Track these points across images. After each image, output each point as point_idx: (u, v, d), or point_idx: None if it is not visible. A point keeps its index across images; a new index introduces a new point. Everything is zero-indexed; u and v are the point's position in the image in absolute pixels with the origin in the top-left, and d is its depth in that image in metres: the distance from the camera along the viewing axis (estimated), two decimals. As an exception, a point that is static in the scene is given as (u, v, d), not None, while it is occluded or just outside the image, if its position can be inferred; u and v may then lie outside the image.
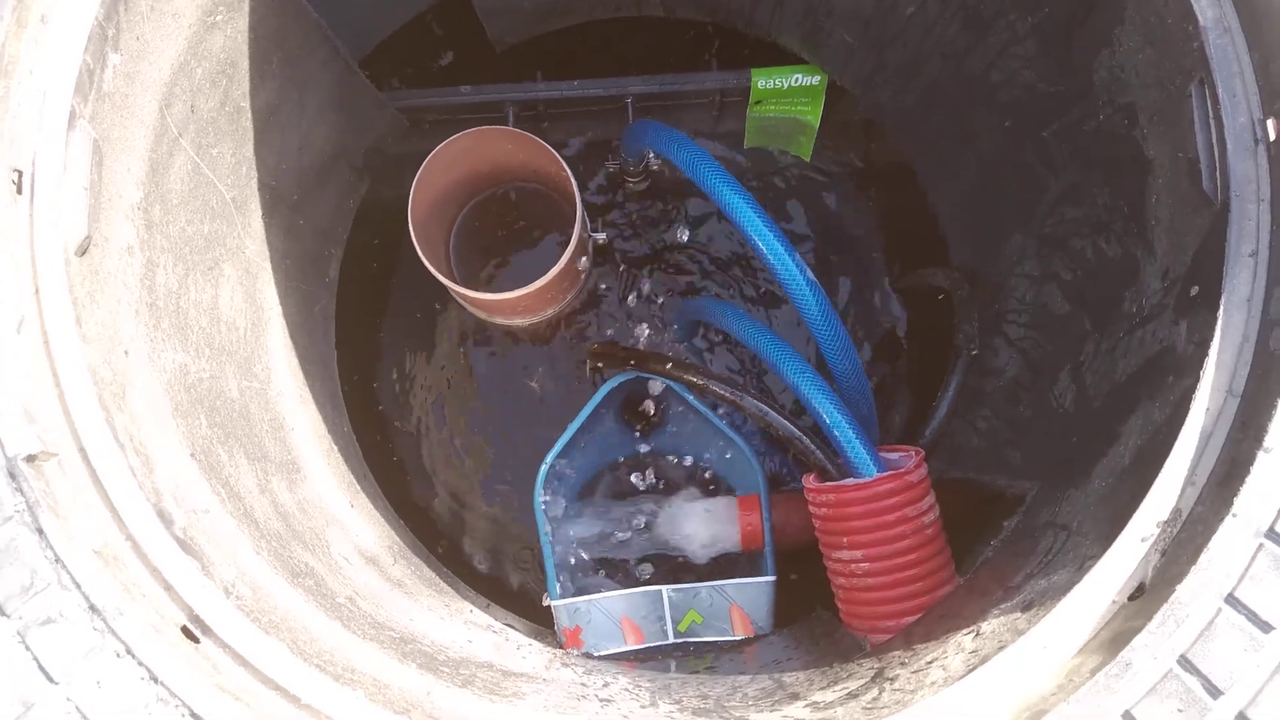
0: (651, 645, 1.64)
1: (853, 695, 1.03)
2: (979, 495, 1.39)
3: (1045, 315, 1.42)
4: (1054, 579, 0.99)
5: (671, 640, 1.64)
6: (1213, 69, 0.99)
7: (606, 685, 1.31)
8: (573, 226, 1.69)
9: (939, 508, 1.36)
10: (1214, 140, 0.99)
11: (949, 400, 1.56)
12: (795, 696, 1.11)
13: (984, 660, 0.93)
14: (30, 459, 0.89)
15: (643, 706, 1.22)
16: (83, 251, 1.02)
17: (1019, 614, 0.98)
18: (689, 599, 1.65)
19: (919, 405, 1.77)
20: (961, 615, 1.09)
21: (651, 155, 1.93)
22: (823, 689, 1.10)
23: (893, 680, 1.03)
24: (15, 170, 0.99)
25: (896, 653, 1.11)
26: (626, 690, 1.27)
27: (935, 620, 1.17)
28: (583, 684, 1.29)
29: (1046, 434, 1.30)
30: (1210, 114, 0.99)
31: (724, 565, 1.75)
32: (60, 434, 0.93)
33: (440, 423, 2.02)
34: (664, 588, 1.65)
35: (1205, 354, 0.95)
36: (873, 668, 1.10)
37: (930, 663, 1.01)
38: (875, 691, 1.02)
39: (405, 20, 1.81)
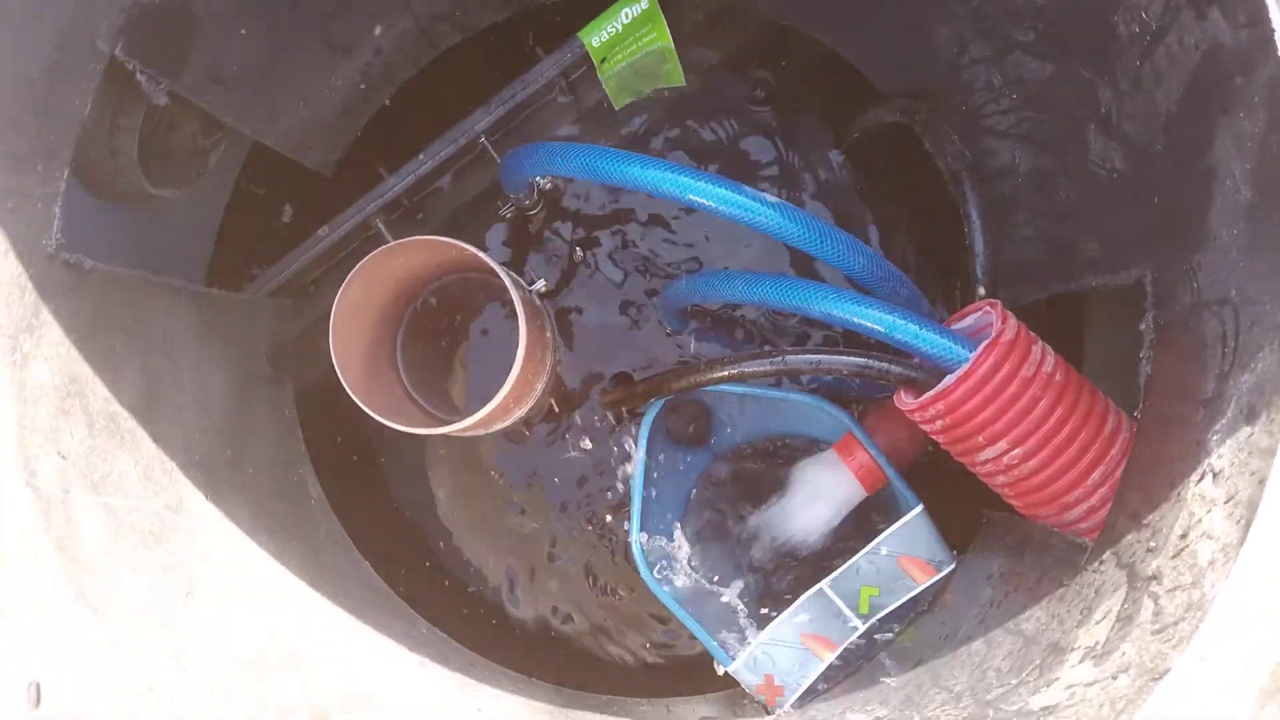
0: (847, 647, 1.46)
1: (1125, 619, 0.85)
2: (1088, 314, 1.19)
3: (1027, 88, 1.21)
4: (1259, 368, 0.79)
5: (861, 627, 1.46)
6: None
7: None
8: (502, 283, 1.50)
9: (1052, 351, 1.17)
10: None
11: (978, 226, 1.35)
12: (1057, 649, 0.92)
13: (1251, 506, 0.74)
14: None
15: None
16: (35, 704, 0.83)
17: (1247, 428, 0.79)
18: (853, 580, 1.46)
19: (949, 260, 1.57)
20: (1170, 461, 0.90)
21: (538, 179, 1.72)
22: (1080, 624, 0.91)
23: (1155, 579, 0.84)
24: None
25: (1128, 538, 0.92)
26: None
27: (1139, 481, 0.97)
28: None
29: (1116, 206, 1.10)
30: None
31: (862, 527, 1.56)
32: None
33: (519, 566, 1.82)
34: (821, 584, 1.46)
35: (1268, 28, 0.75)
36: (1117, 569, 0.91)
37: (1183, 537, 0.82)
38: (1147, 603, 0.83)
39: (221, 210, 1.60)
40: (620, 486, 1.77)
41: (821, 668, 1.45)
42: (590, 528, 1.78)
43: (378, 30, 1.52)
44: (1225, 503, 0.78)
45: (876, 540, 1.44)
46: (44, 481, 1.00)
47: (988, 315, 1.22)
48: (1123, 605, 0.86)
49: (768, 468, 1.65)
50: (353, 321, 1.58)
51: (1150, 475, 0.93)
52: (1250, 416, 0.79)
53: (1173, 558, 0.82)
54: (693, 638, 1.71)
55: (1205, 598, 0.75)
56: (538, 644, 1.79)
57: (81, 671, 0.91)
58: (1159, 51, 0.92)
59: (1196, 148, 0.90)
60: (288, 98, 1.48)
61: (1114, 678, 0.80)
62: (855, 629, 1.46)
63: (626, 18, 1.71)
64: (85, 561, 1.00)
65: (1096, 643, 0.86)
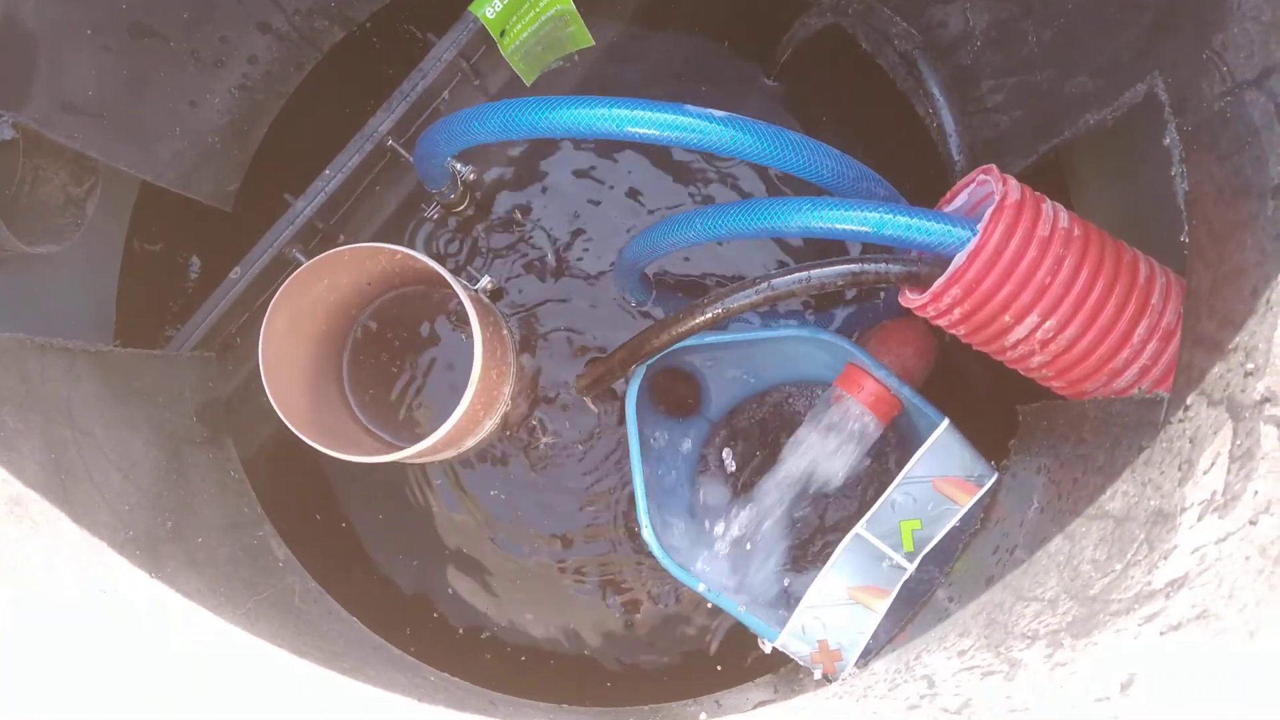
0: (899, 589, 1.31)
1: (1243, 457, 0.71)
2: (1088, 158, 1.07)
3: (969, -69, 1.09)
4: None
5: (910, 567, 1.31)
6: None
7: (926, 678, 0.99)
8: (448, 287, 1.34)
9: (1063, 207, 1.04)
10: None
11: (943, 102, 1.23)
12: (1162, 516, 0.78)
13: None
14: None
15: (986, 675, 0.89)
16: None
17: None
18: (890, 517, 1.32)
19: (922, 151, 1.44)
20: (1243, 272, 0.77)
21: (458, 166, 1.57)
22: (1183, 482, 0.78)
23: (1269, 400, 0.70)
24: None
25: (1215, 370, 0.79)
26: (961, 668, 0.94)
27: (1208, 307, 0.84)
28: (913, 705, 0.96)
29: (1101, 26, 0.97)
30: None
31: (886, 461, 1.42)
32: None
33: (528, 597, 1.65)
34: (856, 528, 1.32)
35: None
36: (1211, 407, 0.77)
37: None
38: (1268, 430, 0.69)
39: (117, 264, 1.43)
40: (624, 490, 1.61)
41: (877, 620, 1.31)
42: (601, 538, 1.62)
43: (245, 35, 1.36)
44: (1336, 287, 0.65)
45: (907, 467, 1.30)
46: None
47: (983, 185, 1.09)
48: (1234, 443, 0.73)
49: (772, 421, 1.51)
50: (285, 360, 1.42)
51: (1221, 297, 0.80)
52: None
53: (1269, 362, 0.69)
54: (729, 626, 1.57)
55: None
56: (564, 672, 1.62)
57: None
58: None
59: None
60: (160, 123, 1.32)
61: (1253, 523, 0.66)
62: (904, 570, 1.31)
63: (518, -18, 1.58)
64: None
65: (1214, 493, 0.73)
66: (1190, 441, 0.79)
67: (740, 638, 1.56)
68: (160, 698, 0.93)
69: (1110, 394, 1.03)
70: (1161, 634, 0.68)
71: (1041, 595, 0.92)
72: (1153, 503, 0.81)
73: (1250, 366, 0.74)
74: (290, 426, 1.32)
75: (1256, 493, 0.68)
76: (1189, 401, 0.81)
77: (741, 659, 1.53)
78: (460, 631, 1.65)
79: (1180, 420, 0.82)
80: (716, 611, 1.58)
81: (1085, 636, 0.77)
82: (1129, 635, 0.72)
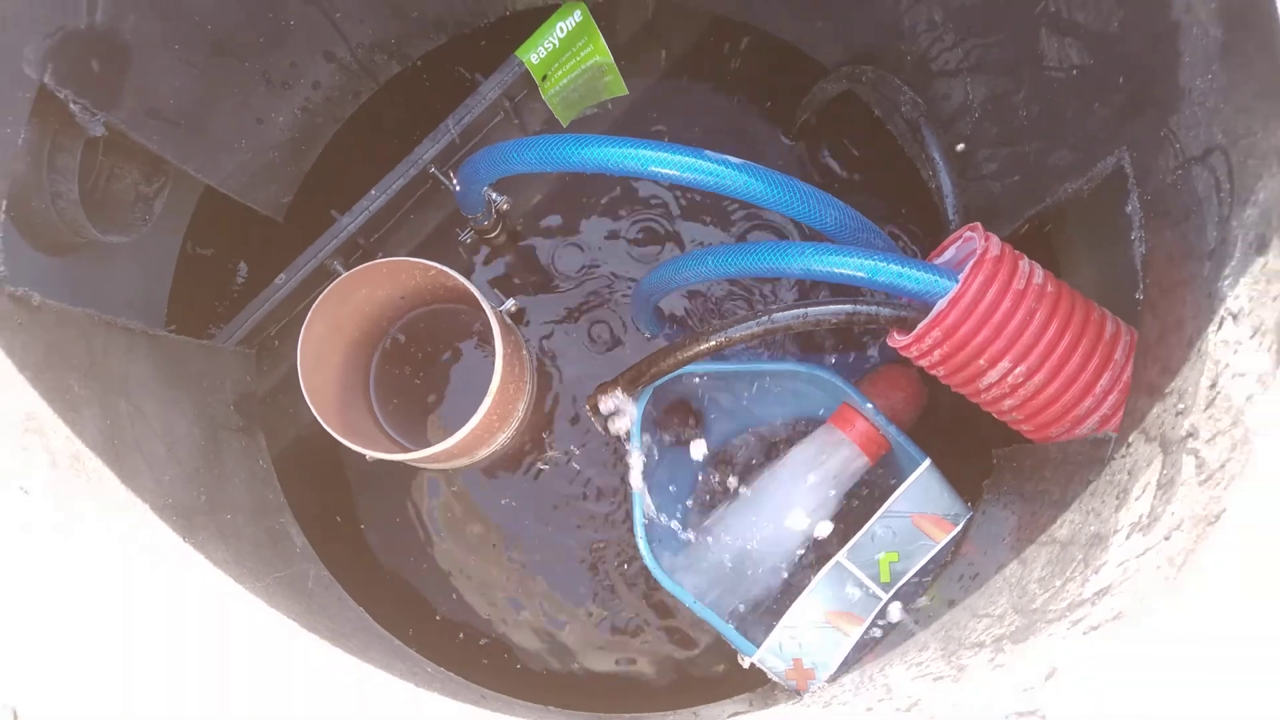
0: (872, 617, 1.40)
1: (1166, 485, 0.80)
2: (1066, 223, 1.18)
3: (969, 13, 1.21)
4: (1261, 196, 0.77)
5: (885, 597, 1.40)
6: None
7: (890, 691, 1.07)
8: (476, 309, 1.46)
9: (1039, 266, 1.15)
10: None
11: (942, 166, 1.34)
12: (1098, 539, 0.87)
13: (1279, 330, 0.71)
14: None
15: (936, 680, 0.97)
16: None
17: (1260, 259, 0.76)
18: (870, 548, 1.41)
19: (923, 209, 1.56)
20: (1182, 324, 0.87)
21: (494, 196, 1.70)
22: (1118, 508, 0.87)
23: (1191, 436, 0.80)
24: None
25: (1153, 412, 0.88)
26: (916, 675, 1.02)
27: (1153, 357, 0.94)
28: (868, 709, 1.04)
29: (1080, 105, 1.09)
30: None
31: (872, 494, 1.51)
32: None
33: (524, 601, 1.74)
34: (837, 557, 1.40)
35: None
36: (1147, 444, 0.87)
37: (1212, 386, 0.79)
38: (1187, 461, 0.79)
39: (174, 261, 1.55)
40: (624, 507, 1.71)
41: (851, 644, 1.38)
42: (598, 547, 1.71)
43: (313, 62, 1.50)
44: (1251, 337, 0.75)
45: (888, 502, 1.39)
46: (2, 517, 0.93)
47: (969, 242, 1.20)
48: (1161, 473, 0.82)
49: (767, 454, 1.61)
50: (321, 361, 1.53)
51: (1163, 346, 0.90)
52: (1260, 247, 0.76)
53: (1205, 409, 0.79)
54: (711, 642, 1.65)
55: (1249, 430, 0.71)
56: (553, 679, 1.70)
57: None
58: (1100, -75, 0.92)
59: (1155, 8, 0.89)
60: (229, 134, 1.45)
61: (1166, 538, 0.75)
62: (879, 599, 1.40)
63: (562, 31, 1.72)
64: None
65: (1140, 516, 0.82)
66: (1128, 474, 0.89)
67: (721, 657, 1.64)
68: (187, 637, 1.02)
69: (1072, 439, 1.12)
70: (1084, 634, 0.77)
71: (992, 612, 1.00)
72: (1092, 528, 0.90)
73: (1180, 407, 0.83)
74: (320, 420, 1.43)
75: (1173, 514, 0.77)
76: (1130, 439, 0.91)
77: (722, 677, 1.60)
78: (460, 636, 1.73)
79: (1122, 456, 0.92)
80: (702, 630, 1.67)
81: (1023, 642, 0.86)
82: (1058, 637, 0.80)
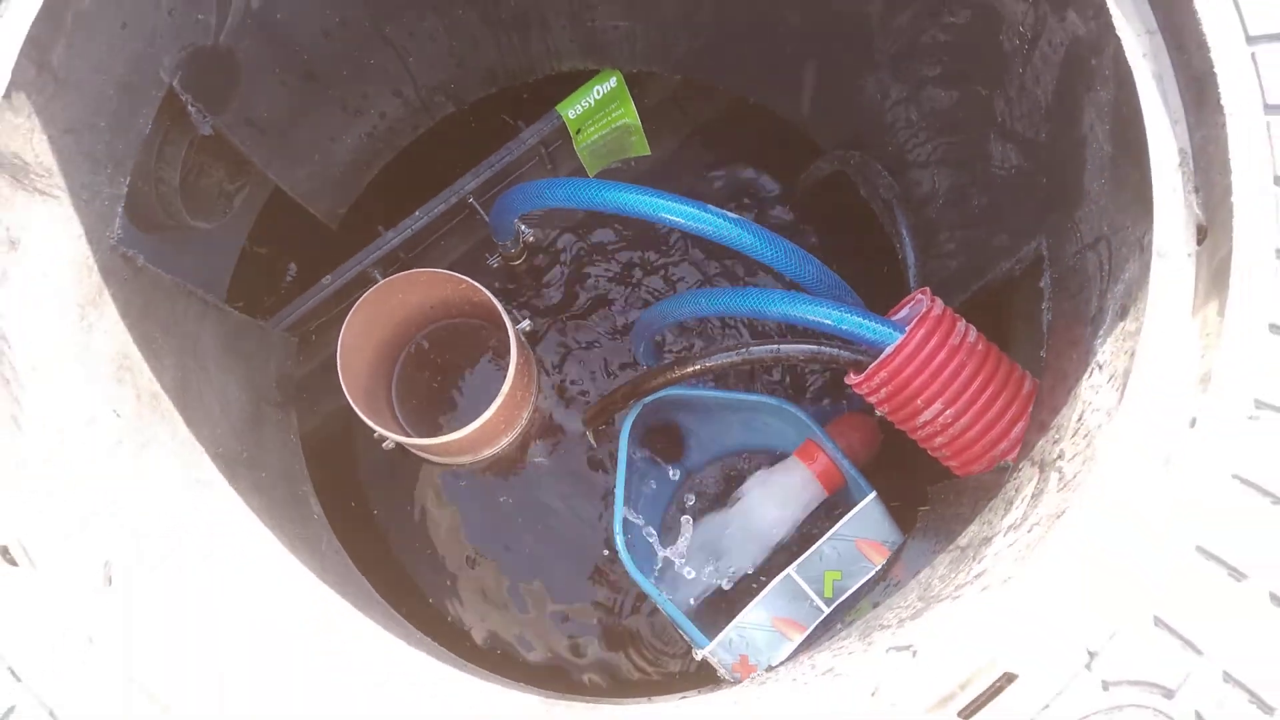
0: (815, 627, 1.58)
1: (1037, 494, 1.01)
2: (998, 294, 1.40)
3: (939, 116, 1.45)
4: (1126, 276, 0.99)
5: (826, 610, 1.59)
6: None
7: (814, 666, 1.26)
8: (498, 328, 1.68)
9: (974, 327, 1.37)
10: None
11: (909, 242, 1.57)
12: (985, 540, 1.08)
13: (1125, 374, 0.93)
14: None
15: (850, 654, 1.17)
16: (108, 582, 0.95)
17: (1121, 323, 0.98)
18: (817, 565, 1.60)
19: (890, 279, 1.79)
20: (1067, 375, 1.09)
21: (523, 228, 1.93)
22: (1003, 516, 1.07)
23: (1059, 456, 1.01)
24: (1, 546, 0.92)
25: (1039, 443, 1.10)
26: (835, 654, 1.21)
27: (1046, 402, 1.16)
28: (794, 679, 1.23)
29: (1016, 198, 1.32)
30: None
31: (823, 518, 1.71)
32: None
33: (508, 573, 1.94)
34: (789, 570, 1.60)
35: (1107, 16, 0.99)
36: (1031, 467, 1.08)
37: (1079, 420, 1.00)
38: (1053, 476, 1.00)
39: (240, 246, 1.77)
40: (609, 512, 1.91)
41: (792, 648, 1.57)
42: (584, 554, 1.91)
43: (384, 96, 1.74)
44: (1108, 382, 0.97)
45: (836, 526, 1.59)
46: (102, 430, 1.14)
47: (919, 304, 1.42)
48: (1035, 486, 1.03)
49: (737, 476, 1.81)
50: (355, 353, 1.75)
51: (1053, 395, 1.11)
52: (1122, 313, 0.98)
53: (1072, 437, 1.00)
54: (681, 647, 1.84)
55: (1096, 450, 0.92)
56: (534, 671, 1.89)
57: (136, 577, 1.03)
58: (1035, 56, 1.16)
59: (1070, 125, 1.12)
60: (306, 147, 1.69)
61: (1029, 531, 0.96)
62: (822, 611, 1.59)
63: (598, 94, 1.97)
64: (135, 501, 1.12)
65: (1016, 520, 1.02)
66: (1015, 490, 1.10)
67: (686, 663, 1.83)
68: (225, 550, 1.23)
69: (1003, 460, 1.33)
70: (954, 600, 0.97)
71: (904, 605, 1.20)
72: (984, 534, 1.11)
73: (1057, 437, 1.05)
74: (350, 401, 1.64)
75: (1037, 514, 0.98)
76: (1020, 465, 1.12)
77: (676, 674, 1.79)
78: (448, 618, 1.93)
79: (1014, 477, 1.13)
80: (669, 635, 1.86)
81: (919, 618, 1.06)
82: (941, 611, 1.00)
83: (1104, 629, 0.84)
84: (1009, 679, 0.86)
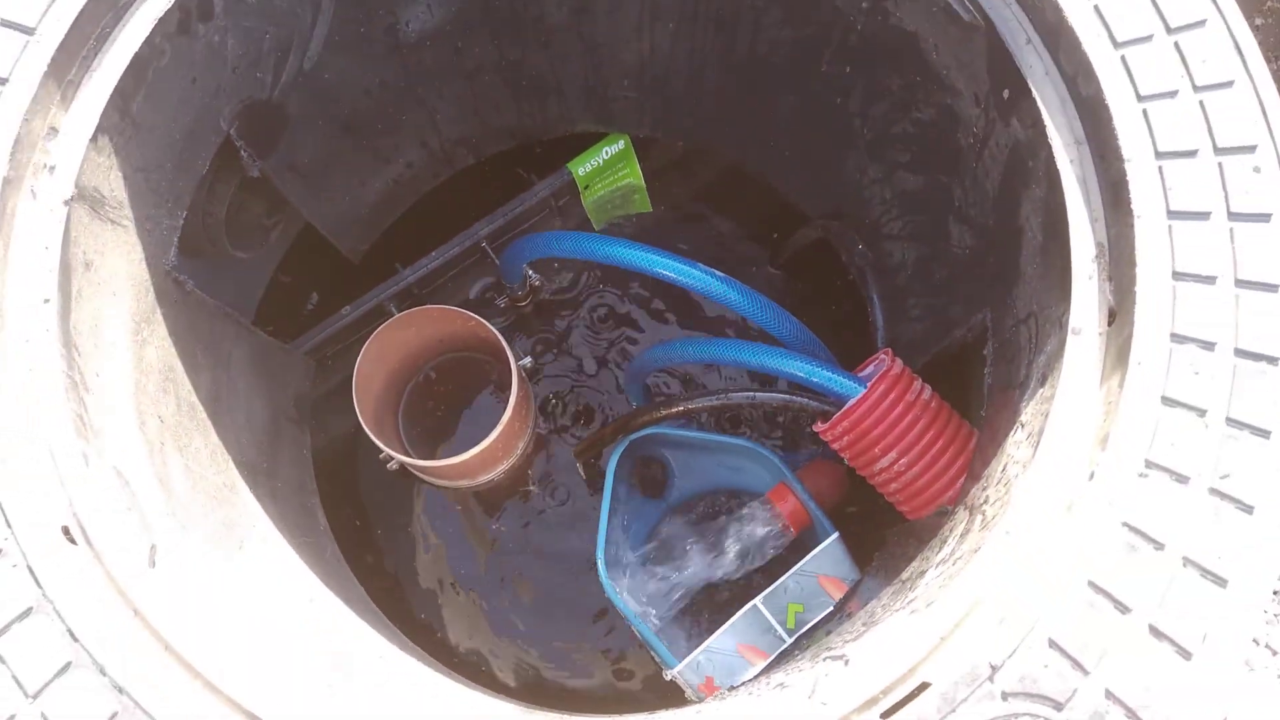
0: (776, 655, 1.72)
1: (963, 534, 1.16)
2: (953, 358, 1.56)
3: (908, 197, 1.63)
4: (1048, 348, 1.15)
5: (788, 640, 1.72)
6: (916, -61, 1.23)
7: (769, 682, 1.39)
8: (501, 364, 1.83)
9: (929, 387, 1.52)
10: (950, -17, 1.22)
11: (879, 307, 1.74)
12: (921, 574, 1.22)
13: (1040, 433, 1.08)
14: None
15: (800, 671, 1.31)
16: (152, 564, 1.10)
17: (1040, 388, 1.14)
18: (781, 597, 1.74)
19: (861, 338, 1.96)
20: (999, 432, 1.24)
21: (530, 273, 2.10)
22: (937, 552, 1.22)
23: (984, 501, 1.16)
24: (63, 526, 1.07)
25: (972, 490, 1.25)
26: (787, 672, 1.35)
27: (981, 456, 1.31)
28: (749, 692, 1.36)
29: (969, 274, 1.48)
30: (935, -31, 1.23)
31: (790, 553, 1.85)
32: None
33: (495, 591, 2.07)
34: (755, 601, 1.74)
35: (1042, 127, 1.16)
36: (964, 510, 1.23)
37: (1003, 469, 1.16)
38: (978, 518, 1.15)
39: (270, 275, 1.94)
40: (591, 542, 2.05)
41: (754, 673, 1.70)
42: (568, 569, 2.05)
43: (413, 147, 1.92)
44: (1026, 439, 1.12)
45: (801, 562, 1.74)
46: (150, 432, 1.29)
47: (882, 362, 1.58)
48: (964, 526, 1.18)
49: (714, 512, 1.96)
50: (369, 378, 1.90)
51: (987, 448, 1.27)
52: (1042, 380, 1.14)
53: (996, 485, 1.15)
54: (648, 671, 1.97)
55: (1013, 496, 1.07)
56: (515, 692, 2.02)
57: (175, 561, 1.17)
58: (985, 154, 1.33)
59: (1011, 216, 1.29)
60: (338, 190, 1.86)
61: (953, 565, 1.11)
62: (784, 641, 1.72)
63: (607, 154, 2.15)
64: (176, 495, 1.27)
65: (946, 555, 1.17)
66: (950, 530, 1.24)
67: (646, 682, 1.96)
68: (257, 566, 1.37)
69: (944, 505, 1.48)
70: (885, 624, 1.12)
71: (850, 631, 1.34)
72: (921, 568, 1.25)
73: (985, 484, 1.20)
74: (362, 423, 1.79)
75: (961, 550, 1.13)
76: (956, 510, 1.27)
77: (647, 695, 1.92)
78: (436, 634, 2.06)
79: (950, 519, 1.28)
80: (644, 661, 1.99)
81: (858, 640, 1.20)
82: (877, 633, 1.15)
83: (1005, 648, 0.99)
84: (924, 686, 1.00)
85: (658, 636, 1.75)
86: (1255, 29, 2.21)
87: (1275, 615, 2.03)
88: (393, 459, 1.89)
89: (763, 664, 1.72)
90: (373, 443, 1.79)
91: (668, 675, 1.74)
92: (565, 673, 2.02)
